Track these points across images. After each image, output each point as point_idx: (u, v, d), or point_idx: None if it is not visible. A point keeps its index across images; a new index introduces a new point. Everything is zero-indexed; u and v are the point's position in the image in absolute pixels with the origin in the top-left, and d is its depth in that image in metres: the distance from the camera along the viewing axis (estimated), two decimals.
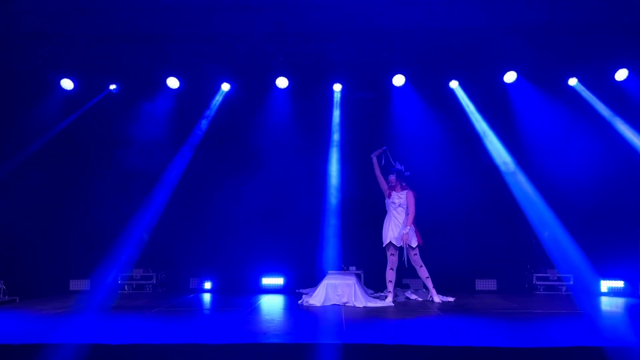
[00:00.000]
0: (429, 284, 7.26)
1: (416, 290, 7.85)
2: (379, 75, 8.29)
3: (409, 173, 7.35)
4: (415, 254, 7.19)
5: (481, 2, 7.51)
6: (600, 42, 7.62)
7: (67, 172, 8.62)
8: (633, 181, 8.26)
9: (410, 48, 7.89)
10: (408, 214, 7.14)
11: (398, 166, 7.38)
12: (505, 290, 8.29)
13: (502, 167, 8.11)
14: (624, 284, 7.99)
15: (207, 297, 7.86)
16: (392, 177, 7.32)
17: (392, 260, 7.20)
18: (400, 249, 7.16)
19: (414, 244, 7.15)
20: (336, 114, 8.65)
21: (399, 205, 7.20)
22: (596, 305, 6.99)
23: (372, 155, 7.44)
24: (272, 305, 6.98)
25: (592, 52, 7.74)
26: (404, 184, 7.32)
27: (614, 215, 8.19)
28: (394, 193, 7.28)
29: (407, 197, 7.21)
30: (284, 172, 8.58)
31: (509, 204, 8.08)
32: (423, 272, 7.25)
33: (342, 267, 8.04)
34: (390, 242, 7.15)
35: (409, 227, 7.09)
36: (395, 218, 7.20)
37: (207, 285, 8.50)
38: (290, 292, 8.13)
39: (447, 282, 7.92)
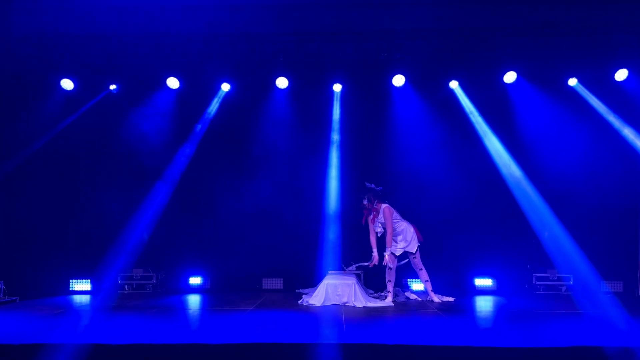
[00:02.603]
0: (428, 287, 7.26)
1: (416, 290, 7.84)
2: (379, 75, 8.29)
3: (381, 188, 7.31)
4: (415, 257, 7.19)
5: (481, 2, 7.52)
6: (600, 42, 7.62)
7: (67, 172, 8.61)
8: (633, 181, 8.25)
9: (410, 48, 7.89)
10: (374, 233, 7.12)
11: (368, 185, 7.27)
12: (505, 290, 8.28)
13: (510, 179, 8.10)
14: (624, 284, 7.99)
15: (206, 297, 7.85)
16: (365, 202, 7.21)
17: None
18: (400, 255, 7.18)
19: (414, 249, 7.14)
20: (336, 114, 8.64)
21: (380, 229, 7.19)
22: (596, 305, 6.99)
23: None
24: (272, 305, 6.98)
25: (592, 52, 7.74)
26: (376, 202, 7.17)
27: (614, 216, 8.18)
28: (374, 219, 7.21)
29: (382, 214, 7.14)
30: (284, 172, 8.58)
31: (508, 204, 8.08)
32: (423, 275, 7.25)
33: (342, 267, 8.04)
34: (390, 252, 7.17)
35: (389, 249, 7.02)
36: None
37: (207, 285, 8.50)
38: (290, 292, 8.13)
39: (447, 282, 7.91)
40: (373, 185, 7.28)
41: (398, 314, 6.20)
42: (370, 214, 7.22)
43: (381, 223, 7.16)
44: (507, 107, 8.45)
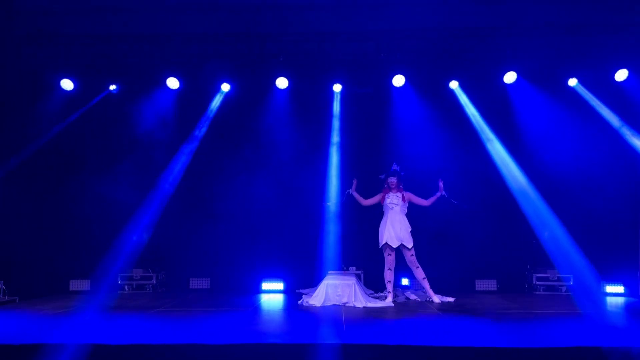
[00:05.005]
0: (426, 285, 7.25)
1: (416, 290, 7.84)
2: (379, 75, 8.29)
3: (403, 173, 7.38)
4: (412, 255, 7.19)
5: (481, 2, 7.53)
6: (600, 42, 7.63)
7: (67, 172, 8.61)
8: (633, 181, 8.25)
9: (410, 48, 7.90)
10: (426, 203, 7.27)
11: (395, 167, 7.39)
12: (505, 290, 8.28)
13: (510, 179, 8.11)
14: (624, 283, 7.99)
15: (207, 297, 7.85)
16: (394, 179, 7.31)
17: (390, 260, 7.20)
18: (395, 249, 7.17)
19: (410, 244, 7.15)
20: (336, 114, 8.64)
21: (396, 205, 7.21)
22: (596, 305, 6.99)
23: (351, 192, 7.37)
24: (272, 305, 6.98)
25: (592, 52, 7.74)
26: (400, 185, 7.32)
27: (614, 216, 8.17)
28: (390, 194, 7.28)
29: (406, 199, 7.24)
30: (284, 172, 8.57)
31: (508, 204, 8.08)
32: (419, 273, 7.24)
33: (342, 267, 8.04)
34: (386, 242, 7.15)
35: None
36: (392, 218, 7.19)
37: (208, 285, 8.49)
38: (290, 292, 8.13)
39: (447, 282, 7.91)
40: (398, 168, 7.40)
41: (398, 314, 6.19)
42: (390, 190, 7.28)
43: (396, 197, 7.22)
44: (507, 107, 8.45)
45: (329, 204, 7.74)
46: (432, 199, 7.29)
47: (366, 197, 7.41)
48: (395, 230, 7.13)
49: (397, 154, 8.08)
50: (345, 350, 4.25)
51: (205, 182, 8.68)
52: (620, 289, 8.00)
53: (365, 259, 8.25)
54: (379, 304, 6.90)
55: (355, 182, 7.38)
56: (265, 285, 8.37)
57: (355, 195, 7.38)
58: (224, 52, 7.97)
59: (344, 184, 8.37)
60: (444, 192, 7.21)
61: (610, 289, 7.98)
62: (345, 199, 7.50)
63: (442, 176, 8.24)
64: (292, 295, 7.86)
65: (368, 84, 8.55)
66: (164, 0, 7.61)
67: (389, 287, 7.19)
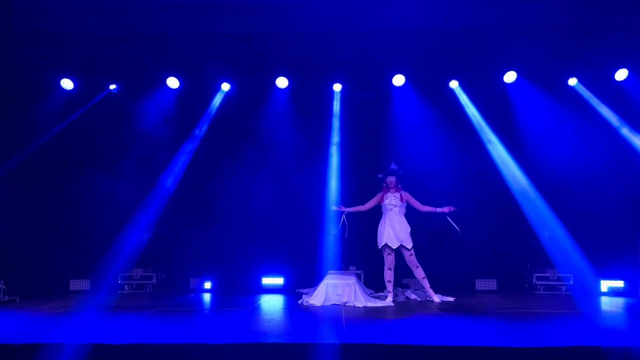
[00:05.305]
0: (426, 285, 7.25)
1: (416, 290, 7.84)
2: (379, 75, 8.29)
3: (402, 172, 7.36)
4: (411, 255, 7.18)
5: (481, 2, 7.53)
6: (600, 42, 7.63)
7: (67, 172, 8.61)
8: (633, 181, 8.25)
9: (410, 48, 7.90)
10: (421, 209, 7.23)
11: (393, 166, 7.37)
12: (505, 290, 8.28)
13: (510, 178, 8.10)
14: (624, 283, 7.99)
15: (207, 297, 7.86)
16: (392, 179, 7.27)
17: (390, 260, 7.19)
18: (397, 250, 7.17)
19: (409, 245, 7.15)
20: (336, 114, 8.64)
21: (395, 206, 7.20)
22: (596, 305, 6.99)
23: (346, 212, 7.41)
24: (272, 305, 6.98)
25: (592, 52, 7.74)
26: (399, 185, 7.30)
27: (614, 215, 8.17)
28: (389, 194, 7.26)
29: (404, 199, 7.21)
30: (284, 172, 8.58)
31: (508, 204, 8.08)
32: (419, 273, 7.24)
33: (342, 266, 8.04)
34: (386, 243, 7.15)
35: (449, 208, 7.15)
36: (392, 219, 7.17)
37: (207, 285, 8.50)
38: (290, 292, 8.13)
39: (447, 282, 7.91)
40: (397, 167, 7.36)
41: (398, 314, 6.19)
42: (388, 190, 7.25)
43: (394, 197, 7.20)
44: (507, 106, 8.45)
45: (333, 232, 7.72)
46: (429, 209, 7.27)
47: (364, 200, 7.40)
48: (394, 231, 7.13)
49: (397, 154, 8.08)
50: (345, 350, 4.25)
51: (206, 181, 8.68)
52: (620, 286, 7.99)
53: (365, 258, 8.25)
54: (379, 303, 6.90)
55: (341, 207, 7.43)
56: (265, 285, 8.36)
57: (352, 210, 7.39)
58: (224, 52, 7.97)
59: (344, 183, 8.38)
60: (447, 212, 7.19)
61: (610, 286, 7.97)
62: (345, 221, 7.43)
63: (442, 176, 8.31)
64: (292, 294, 7.86)
65: (368, 84, 8.55)
66: (164, 0, 7.61)
67: (389, 286, 7.19)
